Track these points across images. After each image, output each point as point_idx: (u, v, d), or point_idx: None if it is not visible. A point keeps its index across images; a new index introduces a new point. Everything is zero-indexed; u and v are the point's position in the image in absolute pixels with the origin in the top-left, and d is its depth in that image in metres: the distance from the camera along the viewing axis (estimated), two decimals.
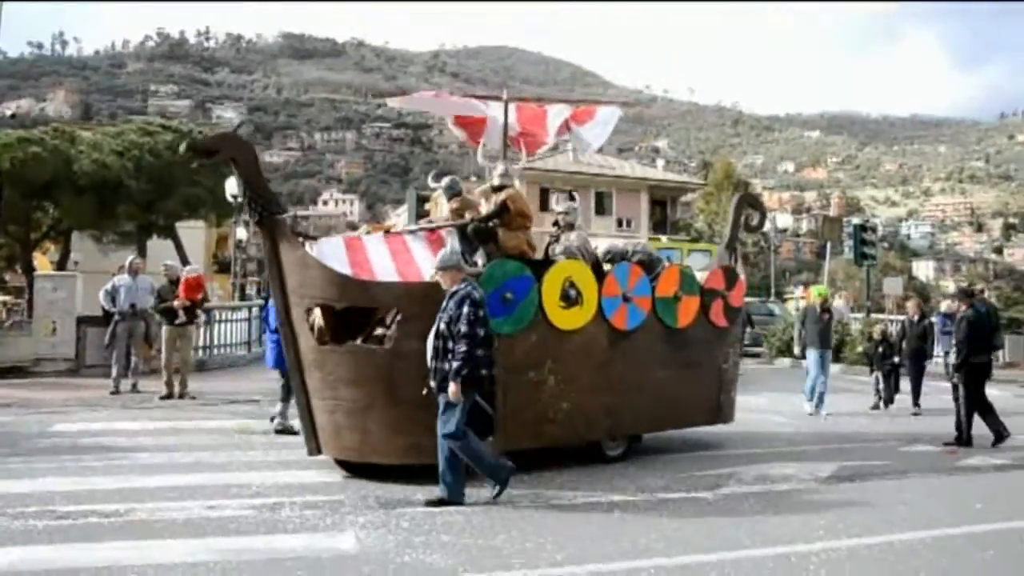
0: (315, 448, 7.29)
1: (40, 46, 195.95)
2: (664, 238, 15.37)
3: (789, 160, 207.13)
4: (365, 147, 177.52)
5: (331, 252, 7.75)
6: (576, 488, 7.09)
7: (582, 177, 45.35)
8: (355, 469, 7.27)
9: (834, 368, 19.82)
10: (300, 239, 7.62)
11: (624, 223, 48.97)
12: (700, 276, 9.08)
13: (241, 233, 35.08)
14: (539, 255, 8.46)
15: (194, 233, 36.80)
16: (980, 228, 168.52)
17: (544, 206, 45.04)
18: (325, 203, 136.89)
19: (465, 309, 6.20)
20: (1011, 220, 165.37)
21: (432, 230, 8.46)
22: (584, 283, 7.68)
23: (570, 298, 7.56)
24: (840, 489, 7.41)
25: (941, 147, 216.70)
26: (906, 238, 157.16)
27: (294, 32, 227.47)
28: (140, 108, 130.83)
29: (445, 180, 8.78)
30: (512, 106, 9.59)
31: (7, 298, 39.25)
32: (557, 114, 9.76)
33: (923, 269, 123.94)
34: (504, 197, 7.99)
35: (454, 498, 6.31)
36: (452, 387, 6.11)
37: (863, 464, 8.50)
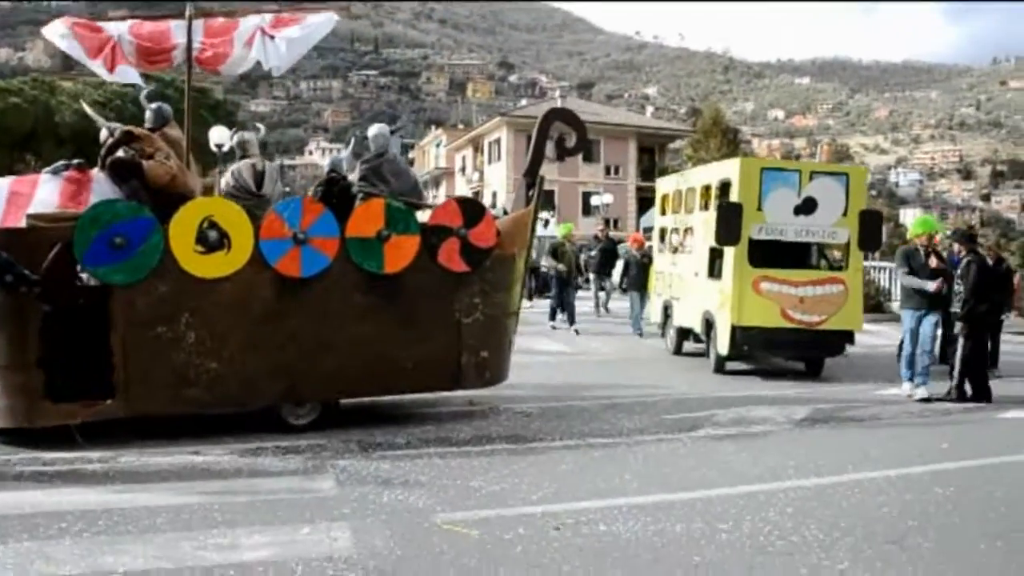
0: None
1: None
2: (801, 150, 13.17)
3: (779, 107, 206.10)
4: (352, 96, 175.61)
5: None
6: (553, 431, 7.23)
7: None
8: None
9: None
10: None
11: (612, 170, 48.88)
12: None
13: (224, 182, 34.81)
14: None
15: None
16: (969, 176, 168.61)
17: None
18: (311, 152, 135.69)
19: None
20: (1000, 168, 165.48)
21: (81, 169, 7.26)
22: (232, 223, 6.57)
23: (210, 241, 6.49)
24: (814, 431, 7.61)
25: (932, 93, 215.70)
26: (895, 186, 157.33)
27: None
28: None
29: (153, 106, 7.62)
30: (200, 22, 8.52)
31: None
32: (249, 26, 8.64)
33: (910, 217, 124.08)
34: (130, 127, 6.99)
35: None
36: None
37: (838, 407, 8.69)
